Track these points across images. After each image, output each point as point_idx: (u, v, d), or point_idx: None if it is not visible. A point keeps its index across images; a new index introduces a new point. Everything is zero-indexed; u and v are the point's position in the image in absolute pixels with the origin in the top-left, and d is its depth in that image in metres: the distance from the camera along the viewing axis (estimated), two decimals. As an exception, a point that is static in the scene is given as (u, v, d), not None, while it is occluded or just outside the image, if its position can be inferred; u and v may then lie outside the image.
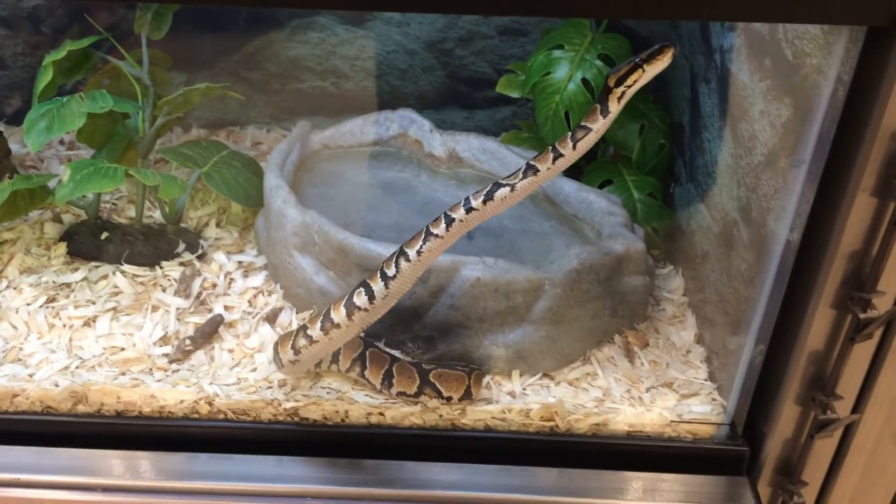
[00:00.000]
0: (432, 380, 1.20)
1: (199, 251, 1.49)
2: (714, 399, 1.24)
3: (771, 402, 1.13)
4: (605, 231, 1.39)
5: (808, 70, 1.01)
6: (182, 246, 1.49)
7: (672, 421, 1.20)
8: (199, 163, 1.51)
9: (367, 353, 1.23)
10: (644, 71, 0.95)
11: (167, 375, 1.26)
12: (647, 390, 1.26)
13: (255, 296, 1.42)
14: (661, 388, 1.26)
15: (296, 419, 1.22)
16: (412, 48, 1.83)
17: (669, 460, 1.19)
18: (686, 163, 1.53)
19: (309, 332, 1.14)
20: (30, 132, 1.36)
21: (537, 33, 1.76)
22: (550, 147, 1.02)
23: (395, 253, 1.10)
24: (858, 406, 1.08)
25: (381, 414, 1.21)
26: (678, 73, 1.60)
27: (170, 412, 1.22)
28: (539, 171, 1.03)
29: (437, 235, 1.07)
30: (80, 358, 1.29)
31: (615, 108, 0.98)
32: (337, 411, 1.21)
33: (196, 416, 1.22)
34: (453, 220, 1.06)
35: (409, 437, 1.21)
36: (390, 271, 1.08)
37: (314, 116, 1.87)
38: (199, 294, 1.40)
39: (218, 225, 1.58)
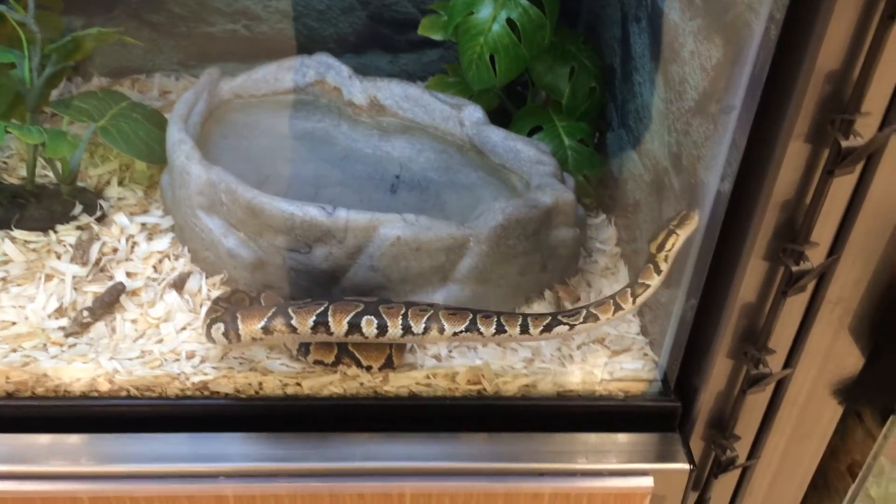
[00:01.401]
0: (351, 349, 1.13)
1: (99, 213, 1.38)
2: (646, 354, 1.20)
3: (703, 357, 1.09)
4: (533, 181, 1.32)
5: (739, 7, 0.94)
6: (79, 208, 1.37)
7: (603, 379, 1.15)
8: (95, 116, 1.38)
9: (283, 319, 1.15)
10: (678, 235, 1.05)
11: (63, 351, 1.16)
12: (578, 347, 1.21)
13: (160, 260, 1.31)
14: (593, 345, 1.22)
15: (206, 393, 1.13)
16: (330, -13, 1.71)
17: (600, 419, 1.15)
18: (617, 107, 1.47)
19: (294, 322, 1.07)
20: None
21: (462, -30, 1.65)
22: (611, 300, 1.10)
23: (428, 313, 1.09)
24: (791, 360, 1.04)
25: (297, 384, 1.14)
26: (609, 12, 1.53)
27: (66, 391, 1.12)
28: (599, 318, 1.10)
29: (481, 333, 1.09)
30: (-34, 335, 1.18)
31: (665, 266, 1.07)
32: (250, 383, 1.13)
33: (96, 393, 1.13)
34: (504, 331, 1.09)
35: (329, 408, 1.14)
36: (417, 328, 1.09)
37: (226, 62, 1.75)
38: (98, 260, 1.30)
39: (121, 183, 1.46)
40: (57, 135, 1.26)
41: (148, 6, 1.71)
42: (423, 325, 1.09)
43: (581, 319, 1.09)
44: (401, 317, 1.08)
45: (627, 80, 1.40)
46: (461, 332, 1.09)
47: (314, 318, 1.07)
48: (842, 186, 0.91)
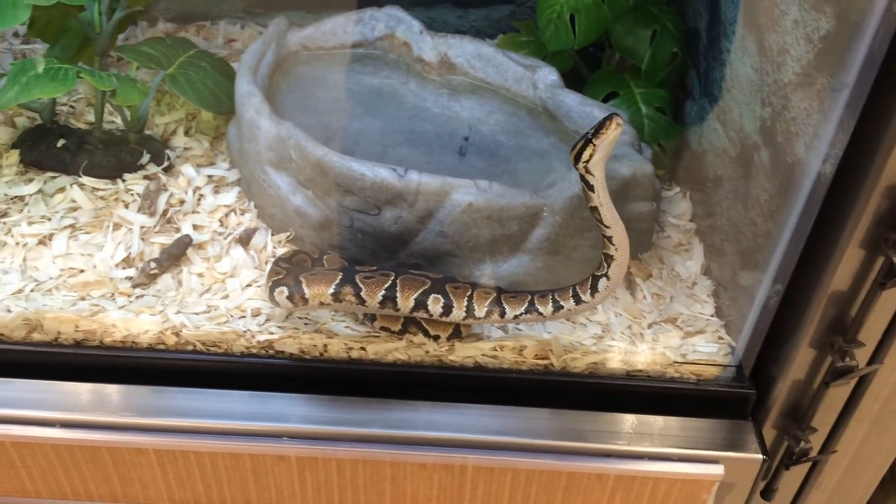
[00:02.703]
0: (418, 318, 1.11)
1: (166, 163, 1.36)
2: (721, 338, 1.15)
3: (784, 345, 1.05)
4: (609, 150, 1.27)
5: (858, -24, 0.87)
6: (146, 157, 1.36)
7: (675, 361, 1.11)
8: (163, 63, 1.36)
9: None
10: (594, 146, 0.97)
11: (130, 301, 1.16)
12: (650, 326, 1.17)
13: (226, 214, 1.30)
14: (665, 325, 1.18)
15: (271, 352, 1.13)
16: (401, -64, 1.65)
17: (670, 402, 1.11)
18: (700, 75, 1.40)
19: (363, 294, 1.07)
20: (-32, 25, 1.20)
21: (541, -78, 1.58)
22: (602, 236, 1.04)
23: (491, 296, 1.08)
24: (879, 354, 0.99)
25: (362, 348, 1.12)
26: (697, -28, 1.45)
27: (133, 342, 1.12)
28: (614, 256, 1.04)
29: (541, 313, 1.08)
30: (36, 280, 1.18)
31: (594, 179, 0.99)
32: (315, 345, 1.12)
33: (162, 346, 1.13)
34: (561, 306, 1.08)
35: (392, 374, 1.12)
36: (480, 312, 1.08)
37: (293, 11, 1.71)
38: (166, 211, 1.29)
39: (187, 133, 1.45)
40: (128, 82, 1.24)
41: (216, -49, 1.68)
42: (486, 309, 1.08)
43: (607, 265, 1.05)
44: (466, 298, 1.08)
45: (714, 46, 1.33)
46: (521, 314, 1.08)
47: (383, 291, 1.06)
48: (957, 175, 0.85)
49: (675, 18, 1.46)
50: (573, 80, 1.48)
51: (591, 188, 1.00)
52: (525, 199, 1.14)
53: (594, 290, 1.06)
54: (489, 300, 1.08)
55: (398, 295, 1.06)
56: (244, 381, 1.11)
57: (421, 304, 1.07)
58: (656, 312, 1.19)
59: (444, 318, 1.08)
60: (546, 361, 1.12)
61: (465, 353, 1.12)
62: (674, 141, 1.43)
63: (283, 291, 1.08)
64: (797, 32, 1.00)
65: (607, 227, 1.02)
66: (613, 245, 1.03)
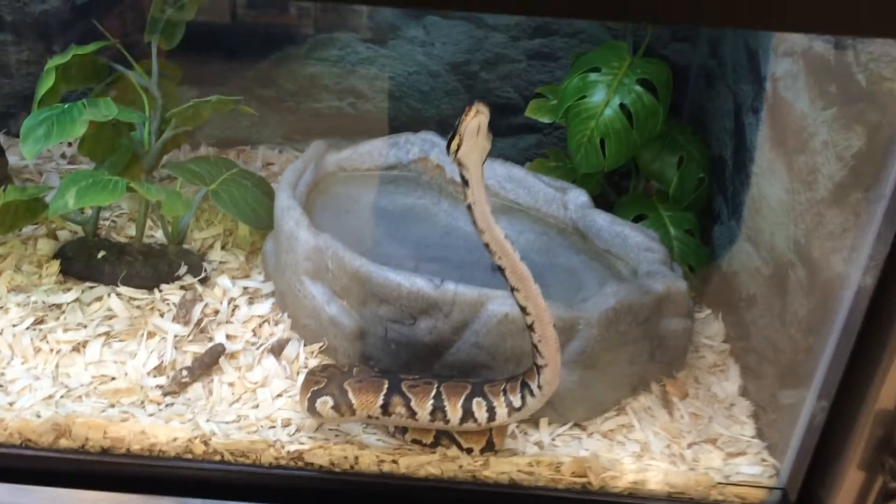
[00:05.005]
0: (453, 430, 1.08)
1: (202, 274, 1.38)
2: (764, 460, 1.12)
3: (831, 467, 1.01)
4: (641, 268, 1.28)
5: (885, 95, 0.91)
6: (184, 268, 1.39)
7: (719, 483, 1.07)
8: (207, 180, 1.41)
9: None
10: (460, 136, 0.89)
11: (160, 409, 1.15)
12: (689, 446, 1.14)
13: (260, 325, 1.30)
14: (704, 445, 1.14)
15: (300, 464, 1.09)
16: (435, 69, 1.74)
17: (714, 526, 1.06)
18: (728, 199, 1.43)
19: (413, 405, 1.05)
20: (26, 139, 1.26)
21: (568, 58, 1.67)
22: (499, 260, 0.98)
23: (518, 379, 1.04)
24: (934, 474, 0.96)
25: (394, 461, 1.09)
26: (720, 104, 1.51)
27: (161, 451, 1.10)
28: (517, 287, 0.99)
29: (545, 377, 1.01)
30: (66, 386, 1.18)
31: (468, 172, 0.92)
32: (346, 457, 1.09)
33: (190, 455, 1.10)
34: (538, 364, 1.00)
35: (425, 490, 1.08)
36: (517, 401, 1.04)
37: (329, 137, 1.78)
38: (200, 321, 1.29)
39: (223, 247, 1.48)
40: (173, 194, 1.28)
41: (259, 81, 1.77)
42: (519, 396, 1.03)
43: (523, 311, 0.98)
44: (502, 393, 1.04)
45: (740, 171, 1.37)
46: (540, 385, 1.01)
47: (431, 401, 1.05)
48: None
49: (700, 146, 1.51)
50: (601, 204, 1.51)
51: (466, 183, 0.93)
52: (561, 312, 1.14)
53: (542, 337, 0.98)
54: (518, 386, 1.04)
55: (446, 404, 1.05)
56: (272, 493, 1.08)
57: (468, 413, 1.05)
58: (695, 432, 1.16)
59: (491, 423, 1.05)
60: (584, 479, 1.08)
61: (499, 469, 1.09)
62: (703, 263, 1.44)
63: (326, 402, 1.06)
64: (827, 152, 1.03)
65: (482, 231, 0.96)
66: (511, 278, 0.97)
